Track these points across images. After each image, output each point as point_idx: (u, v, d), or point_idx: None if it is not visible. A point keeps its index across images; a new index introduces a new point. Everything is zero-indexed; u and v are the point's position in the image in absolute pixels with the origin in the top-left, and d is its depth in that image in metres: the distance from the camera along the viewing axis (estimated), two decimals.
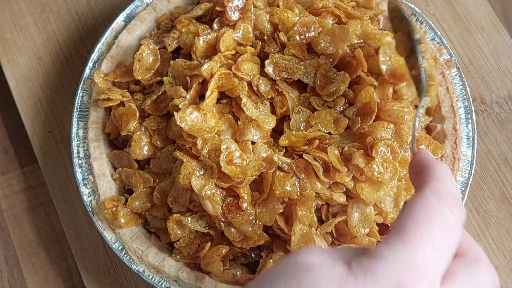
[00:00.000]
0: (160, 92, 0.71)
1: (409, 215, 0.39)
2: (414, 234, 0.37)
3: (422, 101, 0.59)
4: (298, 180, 0.65)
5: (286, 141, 0.67)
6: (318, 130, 0.67)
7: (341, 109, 0.69)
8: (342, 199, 0.66)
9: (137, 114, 0.71)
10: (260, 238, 0.66)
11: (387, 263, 0.37)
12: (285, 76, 0.68)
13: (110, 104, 0.73)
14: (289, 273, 0.38)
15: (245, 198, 0.65)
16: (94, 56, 0.77)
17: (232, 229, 0.65)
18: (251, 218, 0.65)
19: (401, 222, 0.38)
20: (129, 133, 0.72)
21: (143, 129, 0.71)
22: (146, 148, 0.71)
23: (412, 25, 0.60)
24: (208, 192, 0.64)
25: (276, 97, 0.68)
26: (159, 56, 0.73)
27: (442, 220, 0.38)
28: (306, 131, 0.67)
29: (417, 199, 0.40)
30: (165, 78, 0.71)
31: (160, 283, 0.69)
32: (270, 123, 0.67)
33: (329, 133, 0.68)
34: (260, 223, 0.65)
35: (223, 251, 0.66)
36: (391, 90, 0.69)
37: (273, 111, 0.69)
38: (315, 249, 0.40)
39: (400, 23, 0.62)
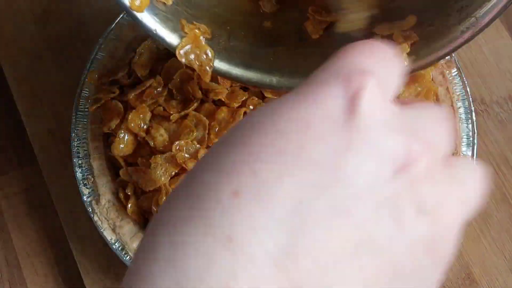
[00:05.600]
0: (145, 88, 0.70)
1: None
2: None
3: None
4: None
5: None
6: None
7: None
8: None
9: (122, 113, 0.70)
10: None
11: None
12: None
13: (98, 105, 0.71)
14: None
15: None
16: (94, 56, 0.77)
17: None
18: None
19: None
20: (110, 131, 0.71)
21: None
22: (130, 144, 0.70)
23: None
24: None
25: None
26: (154, 54, 0.73)
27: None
28: None
29: None
30: (157, 78, 0.70)
31: None
32: None
33: None
34: None
35: None
36: None
37: None
38: None
39: None
